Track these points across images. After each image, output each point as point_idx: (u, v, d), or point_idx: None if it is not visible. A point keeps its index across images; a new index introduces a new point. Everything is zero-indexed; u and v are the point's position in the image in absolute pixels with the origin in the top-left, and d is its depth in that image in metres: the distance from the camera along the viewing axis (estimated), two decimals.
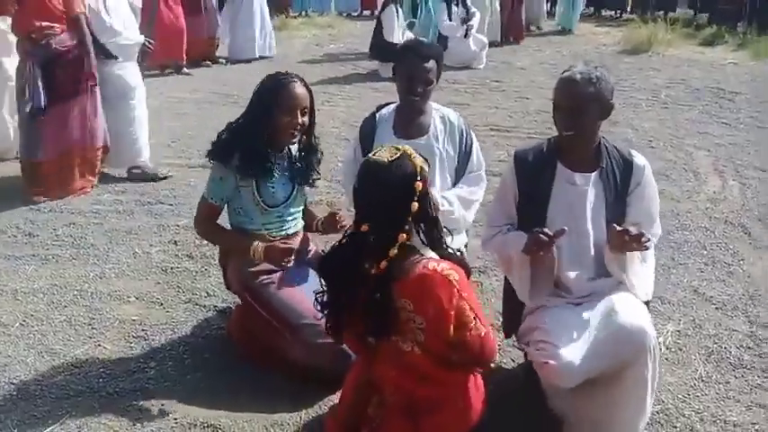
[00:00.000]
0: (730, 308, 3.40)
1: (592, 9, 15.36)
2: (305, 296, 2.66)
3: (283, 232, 2.86)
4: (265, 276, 2.76)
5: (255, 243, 2.70)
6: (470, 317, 2.04)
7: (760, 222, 4.43)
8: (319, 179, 3.03)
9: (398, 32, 8.75)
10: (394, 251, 2.04)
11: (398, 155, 2.06)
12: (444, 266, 2.03)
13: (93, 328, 3.14)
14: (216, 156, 2.75)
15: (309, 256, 2.94)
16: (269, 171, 2.73)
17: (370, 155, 2.13)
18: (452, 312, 2.01)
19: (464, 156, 3.09)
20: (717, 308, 3.40)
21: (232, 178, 2.72)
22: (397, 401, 2.18)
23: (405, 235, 2.06)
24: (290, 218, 2.87)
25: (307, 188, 2.98)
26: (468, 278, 2.15)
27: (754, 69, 9.51)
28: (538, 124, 6.63)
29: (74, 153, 4.65)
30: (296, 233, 2.92)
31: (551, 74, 8.92)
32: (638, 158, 2.51)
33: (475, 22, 9.47)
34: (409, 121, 3.04)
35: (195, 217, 2.88)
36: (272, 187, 2.76)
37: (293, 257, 2.78)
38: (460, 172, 3.08)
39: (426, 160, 2.13)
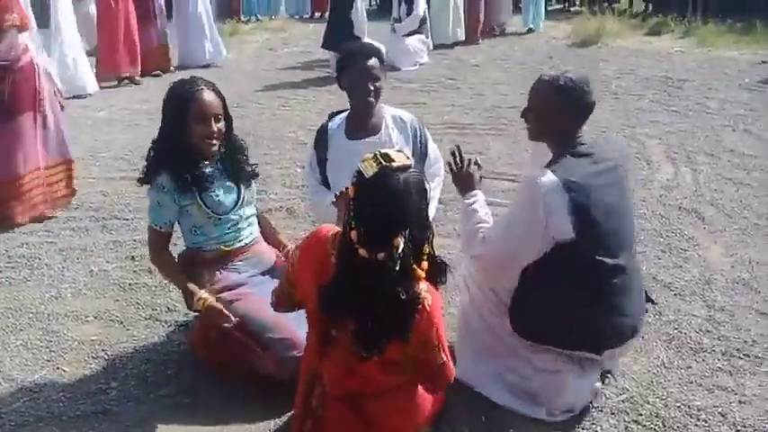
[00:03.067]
0: (688, 293, 3.47)
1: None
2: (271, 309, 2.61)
3: (241, 242, 2.81)
4: (228, 293, 2.69)
5: (201, 294, 2.60)
6: (434, 344, 2.06)
7: (712, 207, 4.53)
8: (257, 169, 2.91)
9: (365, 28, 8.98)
10: (429, 249, 2.04)
11: (399, 151, 1.98)
12: (422, 288, 2.02)
13: (51, 351, 3.06)
14: (145, 180, 2.68)
15: (272, 266, 2.89)
16: (205, 179, 2.67)
17: (375, 164, 1.91)
18: (418, 336, 2.02)
19: (420, 155, 3.09)
20: (675, 294, 3.46)
21: (171, 202, 2.65)
22: (335, 392, 2.19)
23: (432, 232, 2.06)
24: (245, 225, 2.82)
25: (256, 194, 2.93)
26: (444, 280, 2.17)
27: (700, 57, 9.74)
28: (493, 120, 6.69)
29: (27, 176, 4.44)
30: (253, 241, 2.87)
31: (504, 70, 9.04)
32: (539, 177, 2.38)
33: (410, 20, 9.51)
34: (361, 124, 3.03)
35: (148, 245, 2.78)
36: (216, 195, 2.69)
37: (232, 323, 2.59)
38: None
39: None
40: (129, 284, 3.63)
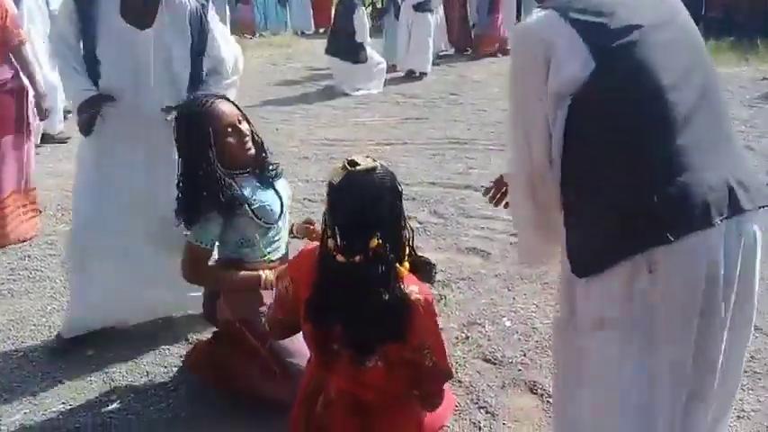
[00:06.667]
0: None
1: None
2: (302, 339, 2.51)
3: (280, 252, 2.72)
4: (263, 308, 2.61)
5: (264, 273, 2.57)
6: (425, 346, 2.04)
7: None
8: (278, 163, 2.78)
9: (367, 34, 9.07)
10: (407, 249, 2.06)
11: (367, 157, 2.01)
12: (414, 290, 2.03)
13: (51, 364, 3.07)
14: (189, 221, 2.56)
15: None
16: (245, 198, 2.53)
17: (342, 170, 1.95)
18: (414, 337, 2.02)
19: (198, 45, 2.85)
20: None
21: (217, 217, 2.53)
22: (342, 402, 2.19)
23: (410, 231, 2.09)
24: (284, 233, 2.73)
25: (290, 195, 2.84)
26: (433, 280, 2.19)
27: None
28: (495, 136, 6.72)
29: (8, 199, 4.34)
30: (288, 252, 2.79)
31: (505, 86, 9.08)
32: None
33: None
34: (136, 4, 2.77)
35: (182, 260, 2.59)
36: (268, 204, 2.59)
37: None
38: (197, 68, 2.87)
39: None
40: None
